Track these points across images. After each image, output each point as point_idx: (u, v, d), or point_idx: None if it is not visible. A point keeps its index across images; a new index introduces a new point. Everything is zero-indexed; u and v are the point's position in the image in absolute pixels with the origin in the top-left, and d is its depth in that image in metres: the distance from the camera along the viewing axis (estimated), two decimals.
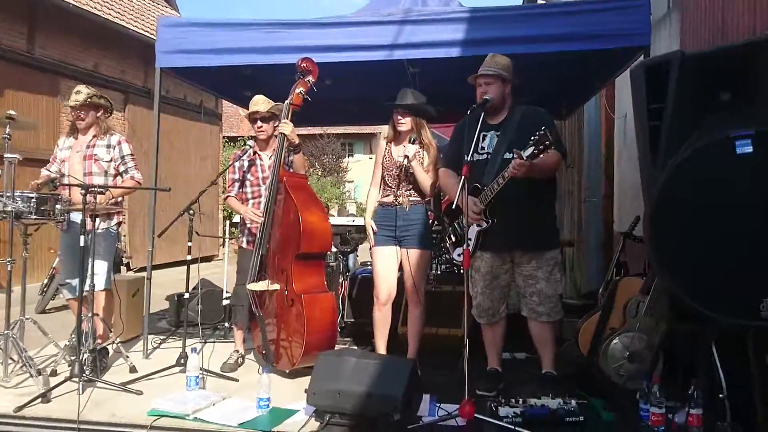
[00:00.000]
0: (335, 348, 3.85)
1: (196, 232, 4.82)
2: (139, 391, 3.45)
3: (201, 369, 3.64)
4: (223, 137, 16.86)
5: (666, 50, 2.37)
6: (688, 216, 1.43)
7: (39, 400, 3.24)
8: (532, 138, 3.04)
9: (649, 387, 2.95)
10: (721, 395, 2.92)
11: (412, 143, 3.79)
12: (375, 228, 3.89)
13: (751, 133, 1.38)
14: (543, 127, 3.03)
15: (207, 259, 11.06)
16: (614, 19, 3.73)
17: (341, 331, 4.95)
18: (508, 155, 3.34)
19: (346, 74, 5.15)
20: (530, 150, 3.05)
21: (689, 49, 4.51)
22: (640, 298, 3.35)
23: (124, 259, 9.65)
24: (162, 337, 4.96)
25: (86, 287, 3.60)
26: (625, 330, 3.36)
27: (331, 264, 4.98)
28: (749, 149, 1.37)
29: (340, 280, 5.19)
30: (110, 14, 10.44)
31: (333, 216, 10.83)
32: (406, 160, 3.73)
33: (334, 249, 5.17)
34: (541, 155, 3.06)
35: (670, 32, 5.10)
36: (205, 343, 4.85)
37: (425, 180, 3.78)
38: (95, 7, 10.02)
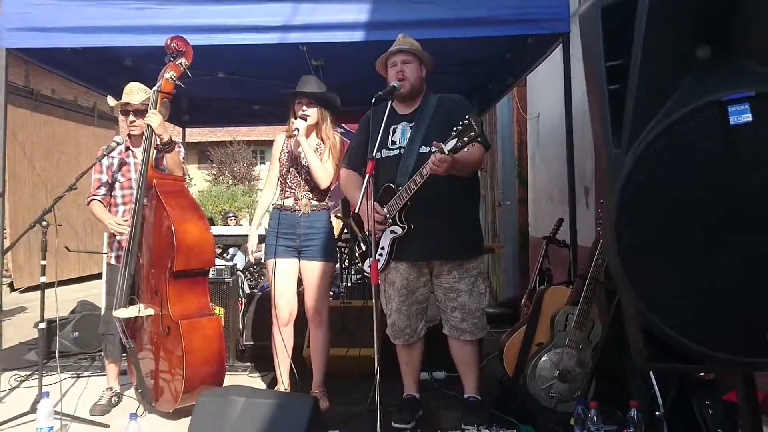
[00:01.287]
0: (224, 381, 3.28)
1: (66, 248, 4.14)
2: None
3: (58, 415, 2.98)
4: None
5: None
6: (665, 216, 1.02)
7: None
8: (455, 128, 2.60)
9: (584, 411, 2.62)
10: (657, 413, 2.66)
11: (304, 119, 3.29)
12: (251, 243, 3.44)
13: (749, 94, 0.99)
14: (468, 116, 2.59)
15: (99, 275, 10.11)
16: (529, 2, 3.42)
17: (241, 356, 4.39)
18: (424, 149, 2.92)
19: (239, 66, 4.65)
20: (453, 142, 2.60)
21: None
22: (568, 310, 3.02)
23: (3, 279, 8.59)
24: (26, 374, 4.18)
25: None
26: (554, 345, 3.01)
27: (226, 280, 4.38)
28: (748, 117, 0.98)
29: (239, 298, 4.60)
30: None
31: (242, 226, 10.16)
32: (296, 131, 3.23)
33: (232, 263, 4.59)
34: (465, 148, 2.64)
35: None
36: (77, 378, 4.13)
37: (315, 163, 3.29)
38: None
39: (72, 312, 5.30)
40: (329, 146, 3.38)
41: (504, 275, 7.47)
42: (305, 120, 3.29)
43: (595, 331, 2.99)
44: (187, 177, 3.97)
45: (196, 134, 21.80)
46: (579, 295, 2.98)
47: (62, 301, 3.40)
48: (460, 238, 2.99)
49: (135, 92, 3.46)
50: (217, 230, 4.97)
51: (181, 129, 6.71)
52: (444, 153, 2.61)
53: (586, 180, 4.64)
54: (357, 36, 3.38)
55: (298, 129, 3.24)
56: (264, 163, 26.63)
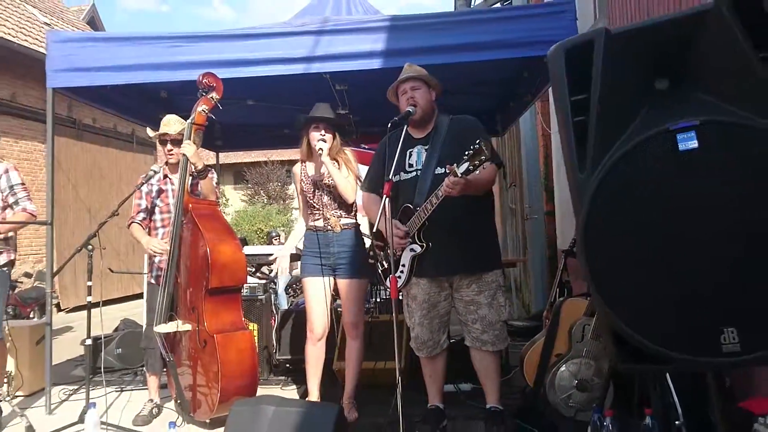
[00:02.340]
0: (257, 392, 3.45)
1: (110, 269, 4.39)
2: None
3: (105, 425, 3.20)
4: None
5: None
6: (626, 231, 1.16)
7: None
8: (467, 153, 2.73)
9: (600, 420, 2.69)
10: (677, 422, 2.71)
11: (324, 141, 3.44)
12: (283, 265, 3.62)
13: (694, 123, 1.12)
14: (478, 140, 2.72)
15: (140, 295, 10.48)
16: (541, 25, 3.57)
17: (275, 370, 4.57)
18: (439, 170, 3.06)
19: (267, 93, 4.88)
20: (465, 166, 2.73)
21: None
22: (585, 321, 3.11)
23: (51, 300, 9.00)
24: (73, 388, 4.44)
25: None
26: (572, 356, 3.10)
27: (259, 297, 4.58)
28: (694, 143, 1.11)
29: (274, 314, 4.80)
30: (26, 41, 9.86)
31: (275, 245, 10.41)
32: (320, 151, 3.38)
33: (263, 280, 4.79)
34: (477, 171, 2.77)
35: None
36: (121, 391, 4.37)
37: (340, 178, 3.42)
38: (10, 34, 9.44)
39: (115, 330, 5.59)
40: (344, 162, 3.53)
41: (534, 288, 7.52)
42: (325, 141, 3.47)
43: None
44: (221, 199, 4.20)
45: (231, 156, 22.29)
46: (595, 306, 3.07)
47: (106, 320, 3.63)
48: (477, 252, 3.10)
49: (172, 123, 3.71)
50: (250, 250, 5.20)
51: (214, 153, 7.00)
52: (457, 176, 2.76)
53: None
54: (375, 64, 3.57)
55: (321, 150, 3.40)
56: None
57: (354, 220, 3.62)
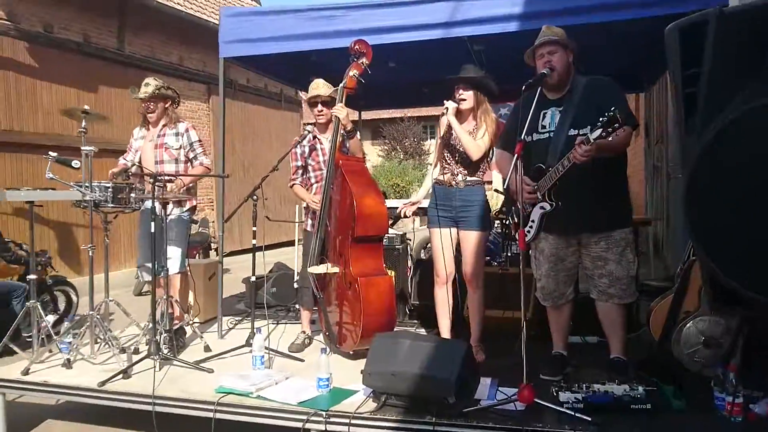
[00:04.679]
0: (395, 330, 3.85)
1: (267, 217, 4.95)
2: (210, 369, 3.62)
3: (267, 349, 3.75)
4: (304, 124, 17.25)
5: None
6: (726, 189, 1.30)
7: (120, 376, 3.46)
8: (600, 120, 2.83)
9: (724, 374, 2.76)
10: None
11: (455, 102, 3.67)
12: (408, 212, 3.92)
13: None
14: (613, 108, 2.79)
15: (289, 243, 11.43)
16: None
17: (410, 314, 4.96)
18: (572, 132, 3.16)
19: (409, 56, 5.12)
20: (598, 132, 2.84)
21: None
22: None
23: (212, 244, 10.14)
24: (237, 319, 5.15)
25: (162, 271, 3.80)
26: (701, 313, 3.14)
27: (397, 247, 4.97)
28: None
29: (409, 264, 5.18)
30: (192, 8, 10.86)
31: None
32: (445, 110, 3.62)
33: (399, 232, 5.16)
34: (610, 137, 2.86)
35: None
36: (277, 324, 5.00)
37: (465, 137, 3.63)
38: (178, 3, 10.46)
39: (270, 272, 6.30)
40: (485, 125, 3.71)
41: (675, 248, 7.28)
42: (457, 103, 3.67)
43: None
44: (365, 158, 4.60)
45: (370, 112, 23.02)
46: None
47: (261, 263, 4.19)
48: (606, 211, 3.20)
49: (321, 86, 4.11)
50: (390, 203, 5.59)
51: (357, 112, 7.43)
52: (590, 142, 2.85)
53: None
54: (511, 27, 3.69)
55: (447, 108, 3.63)
56: (433, 137, 27.30)
57: (479, 179, 3.80)
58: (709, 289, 1.35)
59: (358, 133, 4.12)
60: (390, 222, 5.49)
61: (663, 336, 3.30)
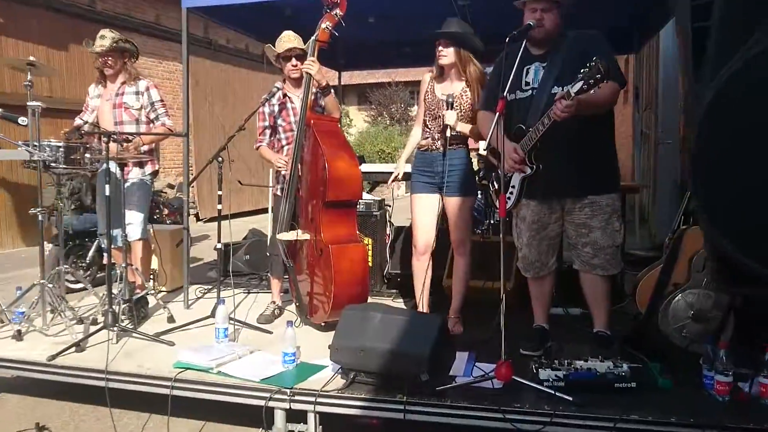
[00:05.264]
0: (367, 302, 3.65)
1: (239, 182, 4.68)
2: (171, 342, 3.41)
3: (232, 320, 3.55)
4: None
5: None
6: (744, 146, 1.07)
7: (73, 349, 3.24)
8: (582, 71, 2.59)
9: (714, 351, 2.60)
10: None
11: (451, 108, 3.44)
12: (400, 175, 3.71)
13: None
14: (595, 58, 2.56)
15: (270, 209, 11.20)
16: None
17: (387, 284, 4.77)
18: (556, 89, 2.93)
19: (389, 10, 4.82)
20: (579, 85, 2.59)
21: None
22: None
23: (190, 210, 9.88)
24: (208, 287, 4.93)
25: (121, 237, 3.54)
26: (690, 286, 2.96)
27: (375, 213, 4.74)
28: None
29: (387, 231, 4.95)
30: None
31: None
32: (447, 130, 3.41)
33: (377, 197, 4.93)
34: (592, 90, 2.61)
35: None
36: (248, 293, 4.78)
37: (465, 130, 3.49)
38: None
39: (244, 238, 6.06)
40: (476, 87, 3.48)
41: (661, 217, 7.13)
42: (446, 57, 3.43)
43: None
44: (344, 119, 4.34)
45: (355, 76, 22.62)
46: None
47: (238, 230, 3.96)
48: (591, 174, 2.99)
49: (293, 38, 3.80)
50: (367, 167, 5.33)
51: (337, 72, 7.11)
52: (570, 96, 2.62)
53: None
54: None
55: (449, 119, 3.39)
56: None
57: (461, 141, 3.59)
58: (715, 265, 1.13)
59: (333, 90, 3.83)
60: (369, 187, 5.29)
61: (650, 309, 3.12)
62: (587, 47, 2.87)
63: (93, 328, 3.47)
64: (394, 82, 25.10)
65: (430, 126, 3.58)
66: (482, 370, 2.87)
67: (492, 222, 5.26)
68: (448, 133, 3.40)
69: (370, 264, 4.70)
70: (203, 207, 11.05)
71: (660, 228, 7.07)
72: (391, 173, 3.91)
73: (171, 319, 3.85)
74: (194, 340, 3.49)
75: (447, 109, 3.41)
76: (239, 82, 12.81)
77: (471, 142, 3.69)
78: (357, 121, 24.30)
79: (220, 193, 3.73)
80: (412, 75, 23.91)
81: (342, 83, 7.29)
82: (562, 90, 2.83)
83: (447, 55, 3.46)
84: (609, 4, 4.47)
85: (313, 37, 3.58)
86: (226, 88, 12.35)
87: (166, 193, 9.89)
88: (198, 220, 10.91)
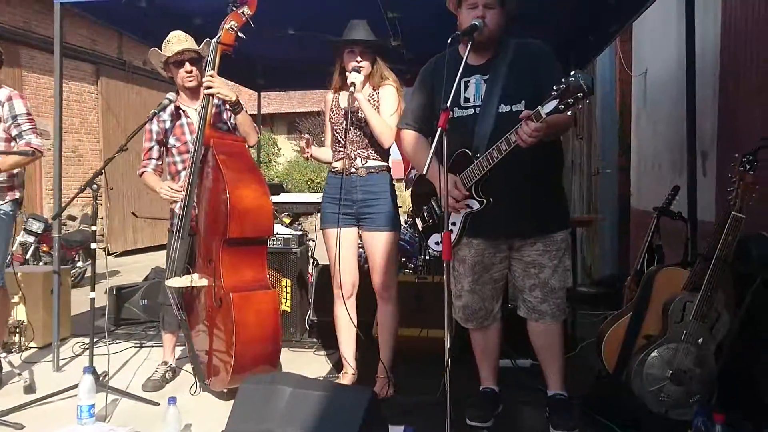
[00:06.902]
0: (279, 360, 3.00)
1: (133, 213, 3.97)
2: (19, 425, 2.63)
3: (109, 389, 2.82)
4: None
5: None
6: None
7: None
8: (557, 88, 2.10)
9: (706, 424, 2.09)
10: None
11: (358, 72, 2.91)
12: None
13: None
14: (573, 72, 2.08)
15: None
16: None
17: (309, 331, 4.11)
18: (504, 108, 2.45)
19: (311, 22, 4.28)
20: (552, 104, 2.11)
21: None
22: (687, 297, 2.46)
23: (98, 243, 8.84)
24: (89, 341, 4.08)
25: None
26: (667, 339, 2.48)
27: (294, 250, 4.09)
28: None
29: (309, 270, 4.30)
30: None
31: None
32: (352, 87, 2.87)
33: (298, 232, 4.28)
34: (569, 112, 2.14)
35: None
36: (140, 347, 4.01)
37: (376, 120, 2.92)
38: None
39: (145, 279, 5.23)
40: (387, 96, 2.99)
41: (601, 251, 6.81)
42: (359, 72, 2.90)
43: (721, 323, 2.43)
44: (273, 149, 3.69)
45: (285, 105, 21.98)
46: (701, 279, 2.41)
47: (143, 268, 3.23)
48: (545, 210, 2.53)
49: (183, 39, 3.15)
50: (288, 197, 4.68)
51: (256, 93, 6.50)
52: (539, 119, 2.13)
53: (704, 143, 3.95)
54: None
55: (354, 84, 2.86)
56: None
57: (384, 163, 3.08)
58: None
59: (245, 109, 3.18)
60: (290, 220, 4.63)
61: (618, 367, 2.62)
62: (535, 60, 2.45)
63: None
64: (323, 111, 24.72)
65: (344, 145, 3.01)
66: None
67: (428, 257, 4.70)
68: (352, 89, 2.88)
69: (288, 309, 4.05)
70: (114, 239, 9.98)
71: (601, 262, 6.75)
72: (317, 203, 3.29)
73: (29, 389, 3.05)
74: (57, 417, 2.74)
75: (354, 71, 2.92)
76: (155, 104, 11.91)
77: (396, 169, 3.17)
78: (286, 150, 23.59)
79: (94, 228, 3.00)
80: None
81: (271, 112, 6.68)
82: (512, 109, 2.41)
83: (365, 66, 2.96)
84: (546, 20, 4.08)
85: (214, 40, 2.95)
86: (142, 111, 11.39)
87: (66, 225, 8.84)
88: (109, 254, 9.83)
